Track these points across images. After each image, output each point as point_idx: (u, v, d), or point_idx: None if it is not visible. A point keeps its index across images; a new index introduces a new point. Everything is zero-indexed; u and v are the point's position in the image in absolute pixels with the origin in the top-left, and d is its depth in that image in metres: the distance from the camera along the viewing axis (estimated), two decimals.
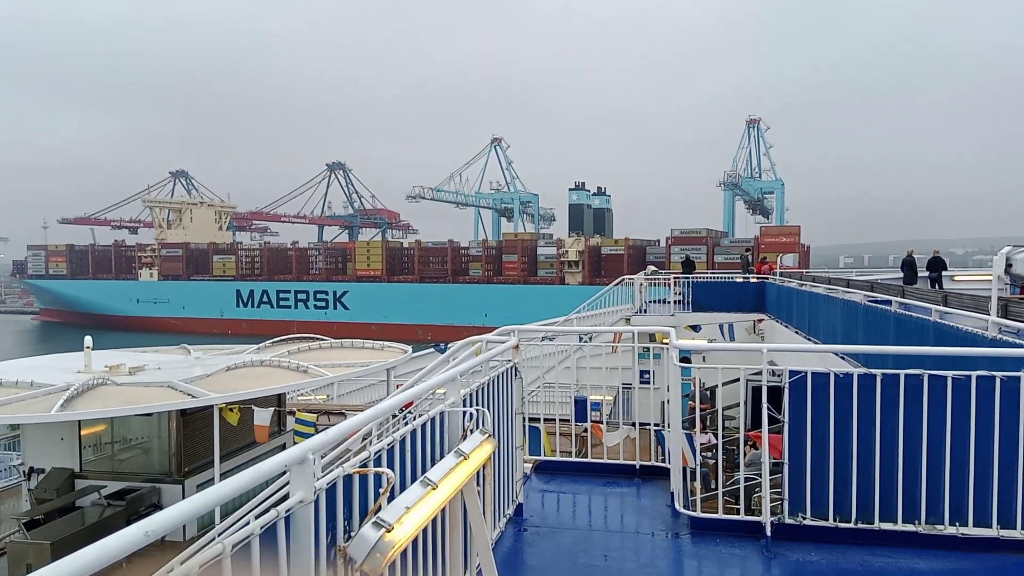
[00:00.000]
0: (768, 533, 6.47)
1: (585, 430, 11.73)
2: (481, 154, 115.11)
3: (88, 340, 12.71)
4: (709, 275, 34.27)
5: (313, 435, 4.19)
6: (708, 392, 14.28)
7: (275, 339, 16.03)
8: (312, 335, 16.08)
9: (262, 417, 11.04)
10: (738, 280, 31.59)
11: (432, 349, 18.79)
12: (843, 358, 13.27)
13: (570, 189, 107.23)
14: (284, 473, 3.10)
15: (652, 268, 32.89)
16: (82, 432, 11.38)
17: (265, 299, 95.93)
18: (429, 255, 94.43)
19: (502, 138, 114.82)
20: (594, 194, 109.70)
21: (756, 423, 7.23)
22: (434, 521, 4.45)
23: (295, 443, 3.10)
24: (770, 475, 6.58)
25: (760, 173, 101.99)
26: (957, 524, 6.23)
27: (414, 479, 4.04)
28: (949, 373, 6.21)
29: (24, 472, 11.61)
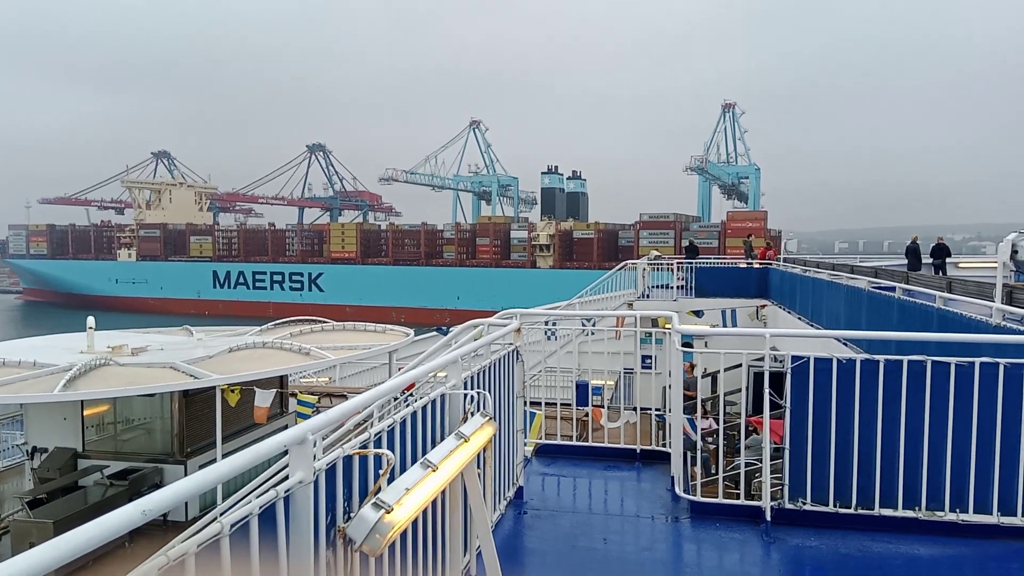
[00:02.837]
0: (768, 518, 6.48)
1: (586, 414, 11.75)
2: (459, 136, 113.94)
3: (91, 320, 12.73)
4: (712, 260, 34.21)
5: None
6: (708, 378, 14.24)
7: (277, 321, 16.06)
8: (316, 318, 16.10)
9: (263, 399, 11.07)
10: (741, 266, 31.55)
11: (435, 332, 18.82)
12: (846, 344, 13.24)
13: (543, 173, 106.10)
14: (285, 454, 3.10)
15: (655, 253, 32.80)
16: (85, 412, 11.42)
17: (241, 280, 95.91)
18: (404, 238, 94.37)
19: (480, 121, 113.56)
20: (569, 178, 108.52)
21: (757, 408, 7.23)
22: (434, 503, 4.45)
23: (296, 424, 3.11)
24: (771, 460, 6.57)
25: (736, 158, 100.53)
26: (958, 510, 6.22)
27: (414, 461, 4.03)
28: (952, 359, 6.18)
29: (27, 451, 11.67)
